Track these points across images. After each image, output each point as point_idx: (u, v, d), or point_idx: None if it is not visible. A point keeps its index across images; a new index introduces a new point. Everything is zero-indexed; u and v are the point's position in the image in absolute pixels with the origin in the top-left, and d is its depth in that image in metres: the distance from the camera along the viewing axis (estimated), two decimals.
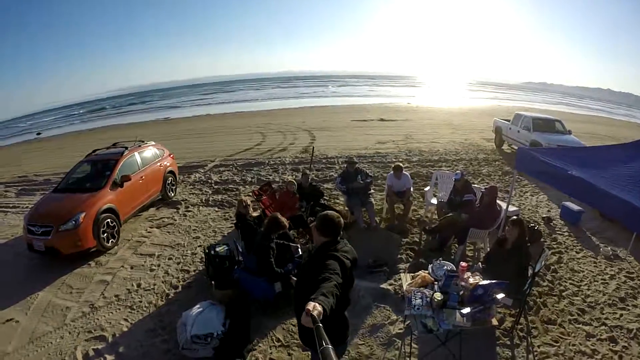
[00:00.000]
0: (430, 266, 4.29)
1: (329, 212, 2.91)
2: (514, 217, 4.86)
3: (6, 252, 7.63)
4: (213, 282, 5.34)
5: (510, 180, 10.31)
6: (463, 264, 4.15)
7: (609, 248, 6.66)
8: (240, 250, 5.63)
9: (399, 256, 6.36)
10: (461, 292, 3.76)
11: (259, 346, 4.52)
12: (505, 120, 15.46)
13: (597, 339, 4.56)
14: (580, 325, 4.77)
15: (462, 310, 3.58)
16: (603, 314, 5.01)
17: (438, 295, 3.69)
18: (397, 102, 41.98)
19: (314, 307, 2.00)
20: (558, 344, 4.45)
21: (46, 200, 7.60)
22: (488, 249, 5.94)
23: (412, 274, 4.39)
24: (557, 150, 5.94)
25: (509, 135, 14.60)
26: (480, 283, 3.75)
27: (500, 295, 3.76)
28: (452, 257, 6.14)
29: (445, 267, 4.19)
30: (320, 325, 1.85)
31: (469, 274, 4.11)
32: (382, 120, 24.16)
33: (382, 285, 5.53)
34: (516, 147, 14.07)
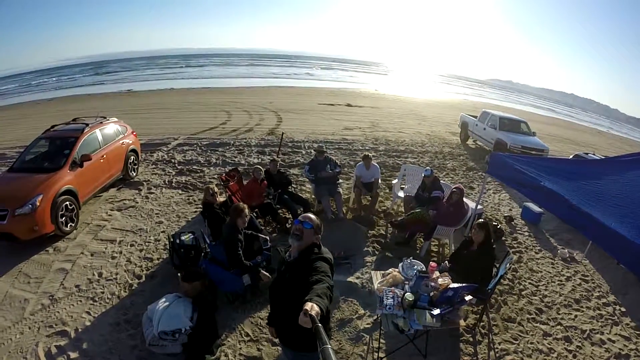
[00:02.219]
0: (400, 265, 4.36)
1: (308, 215, 2.89)
2: (480, 221, 5.01)
3: None
4: (179, 274, 5.20)
5: (474, 177, 10.63)
6: (432, 264, 4.26)
7: (566, 250, 6.99)
8: (207, 240, 5.51)
9: (366, 249, 6.44)
10: (431, 293, 3.85)
11: (228, 341, 4.47)
12: (472, 116, 15.80)
13: (553, 338, 4.84)
14: (538, 324, 5.05)
15: (432, 311, 3.67)
16: (559, 314, 5.31)
17: (409, 296, 3.78)
18: (364, 88, 42.17)
19: (312, 308, 1.97)
20: (517, 342, 4.70)
21: (0, 181, 7.06)
22: (453, 246, 6.14)
23: (383, 272, 4.45)
24: (530, 158, 6.12)
25: (474, 132, 14.99)
26: (450, 285, 3.84)
27: (468, 298, 3.88)
28: (417, 251, 6.29)
29: (415, 266, 4.28)
30: (320, 325, 1.83)
31: (438, 273, 4.21)
32: (349, 105, 24.21)
33: (349, 279, 5.59)
34: (481, 143, 14.48)
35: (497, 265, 4.75)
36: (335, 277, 5.43)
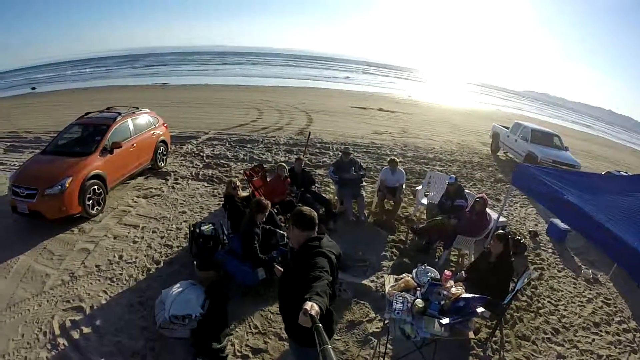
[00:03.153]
0: (414, 270, 4.28)
1: (299, 208, 2.88)
2: (500, 232, 4.84)
3: None
4: (195, 262, 5.30)
5: (502, 189, 10.36)
6: (447, 272, 4.16)
7: (590, 271, 6.69)
8: (226, 231, 5.59)
9: (384, 253, 6.37)
10: (442, 302, 3.76)
11: (236, 331, 4.51)
12: (504, 126, 15.42)
13: None
14: (553, 345, 4.82)
15: (441, 320, 3.59)
16: (576, 336, 5.06)
17: (419, 302, 3.70)
18: (397, 94, 41.64)
19: (312, 307, 1.96)
20: None
21: (33, 162, 7.41)
22: (472, 258, 5.99)
23: (396, 276, 4.39)
24: (556, 170, 5.91)
25: (505, 143, 14.61)
26: (462, 295, 3.75)
27: (480, 310, 3.76)
28: (436, 260, 6.16)
29: (429, 273, 4.20)
30: (320, 325, 1.83)
31: (452, 282, 4.12)
32: (380, 110, 23.97)
33: (363, 281, 5.54)
34: (511, 155, 14.10)
35: (515, 280, 4.60)
36: (349, 279, 5.51)
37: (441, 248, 6.40)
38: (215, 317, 4.44)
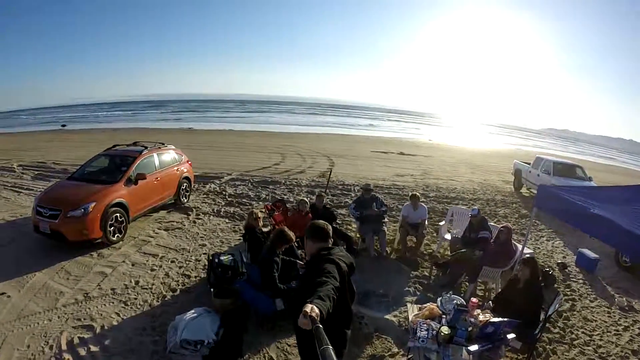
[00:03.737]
0: (439, 299, 4.08)
1: (314, 221, 2.96)
2: (526, 256, 4.61)
3: (13, 229, 7.78)
4: (212, 289, 5.18)
5: (527, 224, 10.02)
6: (474, 299, 3.94)
7: (624, 299, 6.34)
8: (245, 261, 5.49)
9: (407, 288, 6.11)
10: (470, 328, 3.53)
11: None
12: (525, 163, 15.20)
13: None
14: None
15: (469, 347, 3.35)
16: None
17: (445, 329, 3.47)
18: (418, 138, 42.06)
19: (312, 309, 1.96)
20: None
21: (59, 186, 7.71)
22: (499, 290, 5.70)
23: (420, 305, 4.18)
24: (579, 188, 5.72)
25: (528, 179, 14.32)
26: (491, 320, 3.52)
27: (510, 336, 3.51)
28: (462, 295, 5.88)
29: (454, 301, 3.99)
30: (320, 326, 1.85)
31: (479, 310, 3.89)
32: (402, 154, 24.04)
33: (386, 316, 5.30)
34: (535, 191, 13.77)
35: (546, 309, 4.31)
36: (371, 313, 5.31)
37: (466, 283, 6.12)
38: (229, 346, 4.27)
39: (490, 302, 4.55)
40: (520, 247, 6.06)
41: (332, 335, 2.64)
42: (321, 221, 2.93)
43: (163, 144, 9.83)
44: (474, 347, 3.33)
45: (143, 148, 8.79)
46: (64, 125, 43.00)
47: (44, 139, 26.64)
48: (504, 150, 38.52)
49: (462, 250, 6.06)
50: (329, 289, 2.30)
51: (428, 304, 4.10)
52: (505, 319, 3.51)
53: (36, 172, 13.21)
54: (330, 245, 2.85)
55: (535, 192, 13.42)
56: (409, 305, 4.45)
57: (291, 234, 4.84)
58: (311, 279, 2.49)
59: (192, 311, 4.58)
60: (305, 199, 7.42)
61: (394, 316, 5.30)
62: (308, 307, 1.97)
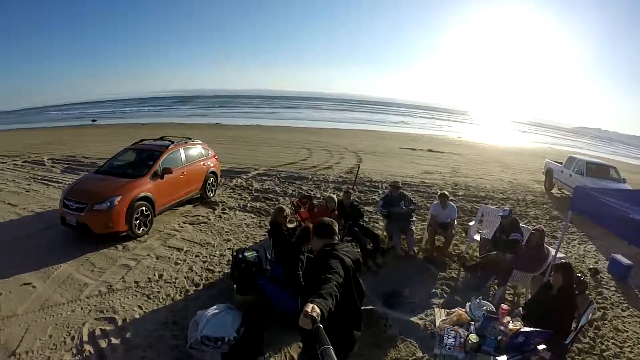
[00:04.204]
0: (468, 304, 3.88)
1: (322, 218, 3.00)
2: (561, 261, 4.32)
3: (40, 221, 8.01)
4: (235, 285, 5.11)
5: (558, 226, 9.61)
6: (504, 306, 3.72)
7: None
8: (269, 258, 5.40)
9: (434, 290, 5.90)
10: (499, 337, 3.33)
11: None
12: (557, 162, 14.63)
13: None
14: None
15: (498, 358, 3.15)
16: None
17: (473, 337, 3.29)
18: (447, 135, 41.19)
19: (312, 309, 1.97)
20: None
21: (86, 179, 7.87)
22: (529, 296, 5.44)
23: (447, 310, 3.98)
24: (618, 191, 5.37)
25: (560, 179, 13.76)
26: (522, 330, 3.31)
27: (541, 347, 3.29)
28: (490, 299, 5.63)
29: (484, 307, 3.78)
30: (320, 326, 1.87)
31: (509, 318, 3.68)
32: (430, 151, 23.56)
33: (411, 318, 5.11)
34: (567, 192, 13.26)
35: (577, 318, 4.03)
36: (396, 315, 5.12)
37: (495, 286, 5.87)
38: (250, 343, 4.22)
39: (520, 308, 4.30)
40: (552, 251, 5.75)
41: (338, 336, 2.60)
42: (327, 218, 2.96)
43: (190, 138, 9.89)
44: (503, 358, 3.14)
45: (170, 142, 8.86)
46: (94, 120, 44.29)
47: (74, 134, 27.67)
48: (535, 148, 37.22)
49: (492, 253, 5.81)
50: (331, 286, 2.29)
51: (456, 309, 3.91)
52: (537, 329, 3.30)
53: (65, 166, 13.66)
54: (336, 242, 2.86)
55: (567, 193, 12.99)
56: (436, 309, 4.26)
57: None
58: (315, 276, 2.49)
59: (214, 307, 4.54)
60: (333, 195, 7.26)
61: (420, 319, 5.11)
62: (309, 307, 1.97)
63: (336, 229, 2.89)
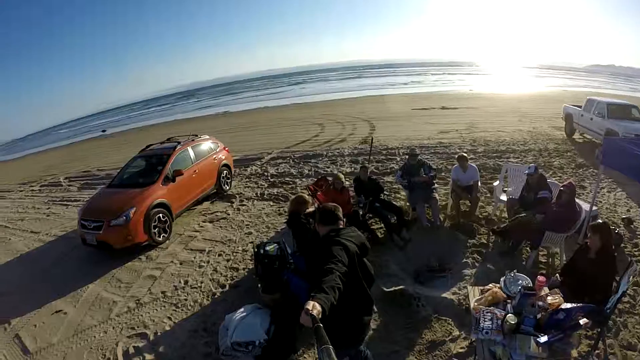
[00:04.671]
0: (502, 279, 3.65)
1: (325, 204, 3.04)
2: (598, 222, 4.00)
3: (64, 245, 8.06)
4: (259, 285, 5.01)
5: (585, 174, 9.19)
6: (540, 278, 3.50)
7: None
8: (290, 251, 5.25)
9: (465, 260, 5.67)
10: (538, 315, 3.12)
11: (304, 357, 4.17)
12: (575, 106, 13.94)
13: None
14: None
15: (539, 338, 2.94)
16: None
17: (511, 319, 3.06)
18: (458, 90, 39.85)
19: (313, 307, 1.95)
20: None
21: (99, 196, 7.85)
22: (564, 256, 5.22)
23: (481, 288, 3.77)
24: None
25: (580, 123, 13.14)
26: (562, 306, 3.10)
27: (583, 321, 3.07)
28: (524, 262, 5.41)
29: (520, 281, 3.55)
30: (320, 325, 1.85)
31: (546, 290, 3.47)
32: (443, 108, 22.88)
33: (444, 295, 4.91)
34: (589, 136, 12.72)
35: (618, 279, 3.76)
36: (428, 292, 4.94)
37: (528, 249, 5.62)
38: (281, 343, 4.15)
39: (557, 275, 4.08)
40: (584, 205, 5.43)
41: (347, 322, 2.70)
42: (330, 204, 2.96)
43: (196, 135, 9.75)
44: (544, 338, 2.93)
45: (176, 143, 8.72)
46: (104, 131, 44.64)
47: (86, 147, 28.05)
48: (549, 93, 35.63)
49: (522, 215, 5.52)
50: (333, 278, 2.25)
51: (490, 285, 3.69)
52: (579, 304, 3.08)
53: (82, 182, 13.76)
54: (340, 227, 2.85)
55: (589, 137, 12.43)
56: (469, 288, 4.03)
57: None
58: (317, 264, 2.46)
59: (242, 310, 4.48)
60: (340, 174, 7.00)
61: (453, 293, 4.92)
62: (309, 305, 1.96)
63: (340, 214, 2.88)
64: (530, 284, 3.47)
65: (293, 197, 5.85)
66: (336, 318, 2.10)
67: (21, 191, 14.90)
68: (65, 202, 11.51)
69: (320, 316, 1.92)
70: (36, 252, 8.03)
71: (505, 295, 3.46)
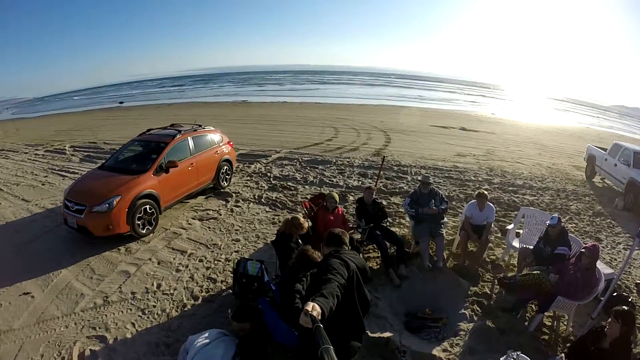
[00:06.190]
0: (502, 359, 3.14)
1: (332, 229, 3.06)
2: (623, 308, 3.41)
3: (50, 219, 7.87)
4: (229, 310, 4.51)
5: (602, 225, 8.54)
6: None
7: None
8: (267, 279, 4.76)
9: (463, 311, 5.09)
10: None
11: None
12: (600, 148, 13.27)
13: None
14: None
15: None
16: None
17: None
18: (480, 112, 39.14)
19: (313, 308, 1.96)
20: None
21: (87, 177, 7.46)
22: (571, 323, 4.70)
23: None
24: None
25: (603, 167, 12.48)
26: None
27: None
28: (526, 323, 4.85)
29: None
30: (321, 325, 1.84)
31: None
32: (463, 129, 22.31)
33: (434, 350, 4.37)
34: (610, 182, 12.12)
35: None
36: (416, 347, 4.29)
37: (533, 307, 5.06)
38: None
39: (562, 355, 3.55)
40: (605, 270, 4.81)
41: (334, 344, 2.32)
42: (338, 229, 3.04)
43: (200, 125, 9.29)
44: None
45: (176, 132, 8.26)
46: (121, 103, 45.07)
47: (100, 117, 28.13)
48: (572, 128, 34.62)
49: (534, 272, 4.87)
50: (332, 286, 2.29)
51: None
52: None
53: (85, 154, 13.59)
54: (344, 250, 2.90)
55: (610, 183, 11.74)
56: None
57: (317, 255, 3.90)
58: (317, 277, 2.53)
59: (205, 335, 3.96)
60: (334, 192, 6.34)
61: (444, 350, 4.37)
62: (309, 306, 1.97)
63: (346, 239, 2.97)
64: None
65: (289, 217, 5.23)
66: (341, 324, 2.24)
67: (26, 153, 14.81)
68: (63, 173, 11.34)
69: (320, 317, 1.92)
70: (21, 222, 7.87)
71: None
